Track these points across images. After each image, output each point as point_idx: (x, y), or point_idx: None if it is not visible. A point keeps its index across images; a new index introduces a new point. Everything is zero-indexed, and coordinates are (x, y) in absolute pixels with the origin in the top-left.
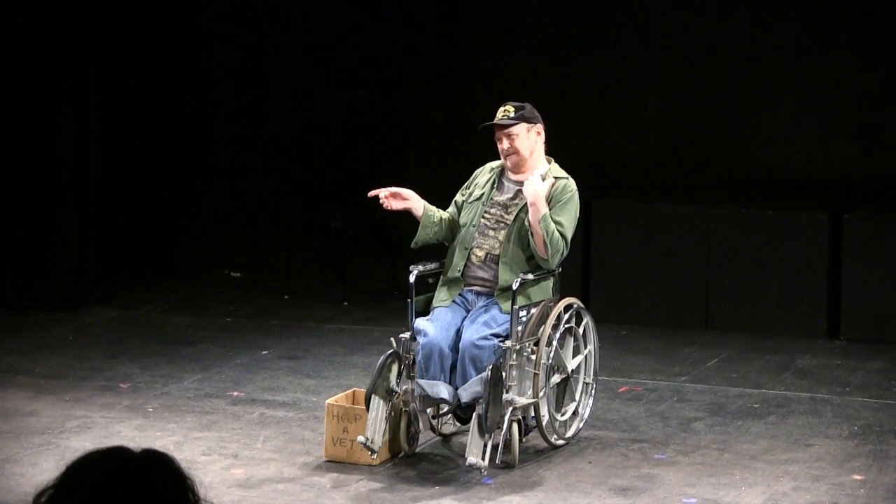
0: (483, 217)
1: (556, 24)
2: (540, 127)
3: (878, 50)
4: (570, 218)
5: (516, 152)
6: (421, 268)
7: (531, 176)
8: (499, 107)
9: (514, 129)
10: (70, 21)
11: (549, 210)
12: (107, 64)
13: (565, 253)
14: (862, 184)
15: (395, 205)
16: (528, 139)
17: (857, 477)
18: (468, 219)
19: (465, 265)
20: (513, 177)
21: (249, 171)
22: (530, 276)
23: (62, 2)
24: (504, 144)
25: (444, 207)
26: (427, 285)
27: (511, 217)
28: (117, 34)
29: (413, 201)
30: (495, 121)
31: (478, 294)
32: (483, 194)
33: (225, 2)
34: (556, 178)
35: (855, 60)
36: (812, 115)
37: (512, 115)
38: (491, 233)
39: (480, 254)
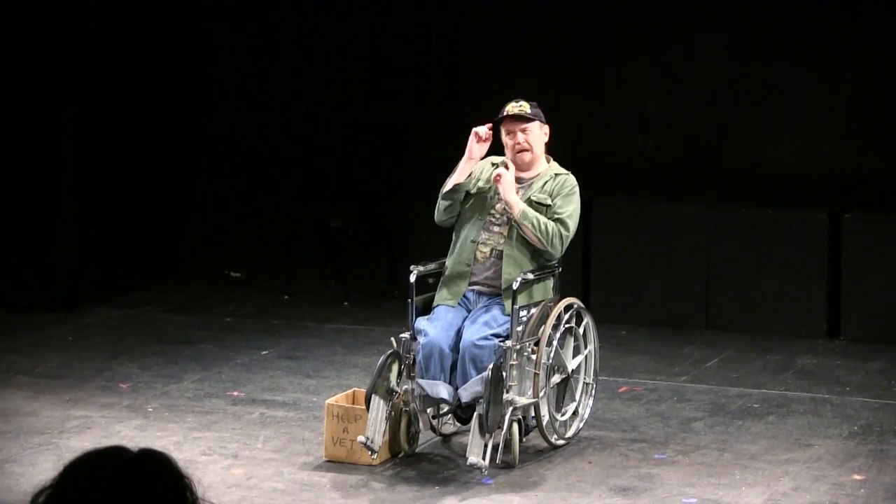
0: (489, 213)
1: (556, 24)
2: (547, 128)
3: (877, 49)
4: (573, 207)
5: (530, 149)
6: (421, 268)
7: (503, 173)
8: (508, 102)
9: (530, 125)
10: (70, 22)
11: (553, 203)
12: (107, 64)
13: (570, 237)
14: (862, 184)
15: (483, 148)
16: (540, 137)
17: (857, 477)
18: (473, 213)
19: (472, 261)
20: (517, 174)
21: (249, 170)
22: (531, 276)
23: (62, 3)
24: (518, 138)
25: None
26: (427, 285)
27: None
28: (117, 35)
29: (479, 159)
30: (514, 112)
31: (479, 294)
32: (488, 189)
33: (225, 3)
34: (556, 174)
35: (855, 60)
36: (811, 114)
37: (528, 111)
38: (496, 229)
39: (486, 250)
